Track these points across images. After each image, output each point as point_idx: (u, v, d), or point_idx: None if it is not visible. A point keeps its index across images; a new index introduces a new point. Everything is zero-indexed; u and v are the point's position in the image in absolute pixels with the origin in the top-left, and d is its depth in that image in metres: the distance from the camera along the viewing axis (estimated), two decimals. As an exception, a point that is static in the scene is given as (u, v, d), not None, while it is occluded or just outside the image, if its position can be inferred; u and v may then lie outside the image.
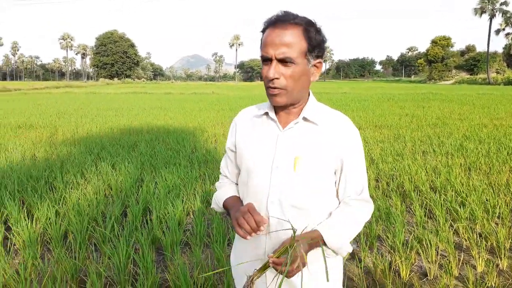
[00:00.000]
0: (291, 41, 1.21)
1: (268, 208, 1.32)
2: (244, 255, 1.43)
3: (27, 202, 4.44)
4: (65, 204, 4.31)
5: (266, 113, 1.38)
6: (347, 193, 1.35)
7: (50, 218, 3.80)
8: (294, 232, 1.18)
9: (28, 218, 3.79)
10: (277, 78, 1.24)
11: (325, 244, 1.28)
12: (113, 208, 4.17)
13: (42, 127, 10.88)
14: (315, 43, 1.25)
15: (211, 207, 1.56)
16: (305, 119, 1.33)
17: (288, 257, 1.14)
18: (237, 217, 1.26)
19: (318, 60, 1.28)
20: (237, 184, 1.52)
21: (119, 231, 3.69)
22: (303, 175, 1.29)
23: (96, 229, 3.64)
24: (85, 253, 3.28)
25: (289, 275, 1.16)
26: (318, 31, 1.26)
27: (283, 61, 1.22)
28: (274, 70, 1.23)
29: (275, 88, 1.25)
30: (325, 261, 1.15)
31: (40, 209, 3.96)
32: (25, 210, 4.10)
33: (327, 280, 1.13)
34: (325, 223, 1.30)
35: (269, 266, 1.20)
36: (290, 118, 1.34)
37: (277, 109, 1.36)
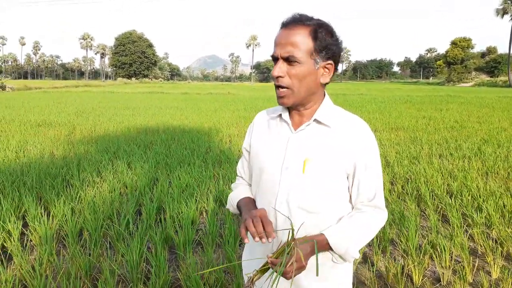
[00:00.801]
0: (297, 40, 1.22)
1: (276, 209, 1.33)
2: (254, 253, 1.44)
3: (44, 199, 4.53)
4: (80, 202, 4.39)
5: (280, 115, 1.39)
6: (359, 199, 1.34)
7: (66, 215, 3.88)
8: (293, 231, 1.18)
9: (45, 215, 3.88)
10: (281, 77, 1.25)
11: (331, 248, 1.28)
12: (128, 206, 4.23)
13: (60, 125, 11.10)
14: (324, 44, 1.24)
15: (226, 207, 1.58)
16: (317, 121, 1.32)
17: (284, 256, 1.14)
18: (246, 218, 1.26)
19: (328, 62, 1.28)
20: (251, 185, 1.53)
21: (133, 229, 3.75)
22: (311, 177, 1.29)
23: (111, 227, 3.70)
24: (99, 251, 3.34)
25: (286, 276, 1.15)
26: (330, 33, 1.26)
27: (288, 60, 1.24)
28: (279, 68, 1.25)
29: (280, 86, 1.27)
30: (316, 256, 1.14)
31: (57, 206, 4.04)
32: (42, 207, 4.20)
33: (317, 275, 1.12)
34: (331, 228, 1.30)
35: (269, 267, 1.21)
36: (303, 120, 1.35)
37: (291, 110, 1.37)
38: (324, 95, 1.36)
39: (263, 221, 1.22)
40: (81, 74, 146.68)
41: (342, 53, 1.34)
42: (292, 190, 1.31)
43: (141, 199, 4.58)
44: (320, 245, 1.26)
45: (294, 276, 1.16)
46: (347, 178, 1.33)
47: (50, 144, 7.95)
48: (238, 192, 1.51)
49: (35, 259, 3.24)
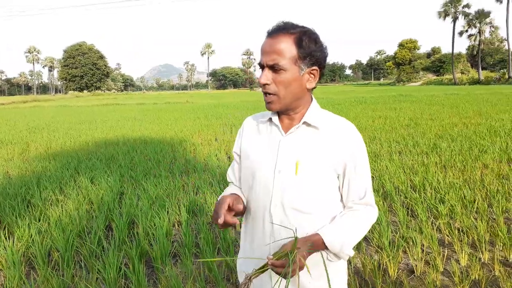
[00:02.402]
0: (281, 48, 1.27)
1: (271, 211, 1.35)
2: (250, 255, 1.45)
3: (5, 221, 4.29)
4: (46, 221, 4.19)
5: (270, 119, 1.42)
6: (350, 198, 1.38)
7: (32, 236, 3.69)
8: (296, 239, 1.21)
9: (8, 237, 3.67)
10: (267, 84, 1.30)
11: (326, 248, 1.31)
12: (97, 222, 4.08)
13: (12, 143, 10.54)
14: (308, 51, 1.29)
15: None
16: (306, 123, 1.36)
17: (290, 261, 1.17)
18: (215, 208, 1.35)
19: (313, 68, 1.32)
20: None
21: (106, 246, 3.62)
22: (304, 179, 1.32)
23: (83, 245, 3.56)
24: (72, 270, 3.20)
25: (286, 277, 1.19)
26: (314, 39, 1.31)
27: (273, 68, 1.28)
28: (265, 76, 1.30)
29: (267, 93, 1.32)
30: (325, 267, 1.18)
31: (21, 228, 3.84)
32: (5, 229, 3.97)
33: (328, 283, 1.17)
34: (326, 227, 1.33)
35: (268, 268, 1.23)
36: (292, 123, 1.38)
37: (280, 114, 1.40)
38: (312, 99, 1.40)
39: (222, 203, 1.31)
40: (29, 89, 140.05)
41: (326, 58, 1.38)
42: (286, 192, 1.33)
43: (109, 215, 4.44)
44: (316, 244, 1.29)
45: (291, 277, 1.19)
46: (338, 177, 1.37)
47: (4, 163, 7.54)
48: (224, 192, 1.52)
49: (2, 285, 3.06)
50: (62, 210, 4.47)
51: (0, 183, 5.85)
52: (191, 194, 4.95)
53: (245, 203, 1.46)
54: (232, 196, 1.37)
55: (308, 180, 1.32)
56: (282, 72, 1.28)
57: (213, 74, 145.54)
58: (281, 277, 1.19)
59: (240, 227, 1.45)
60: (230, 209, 1.32)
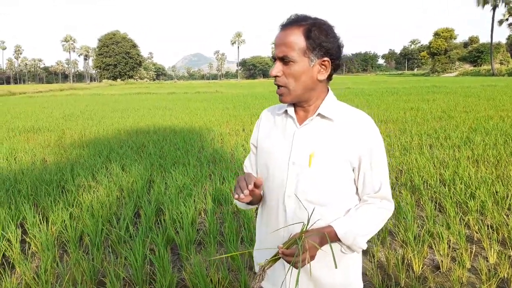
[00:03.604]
0: (290, 41, 1.28)
1: (285, 203, 1.37)
2: (265, 245, 1.47)
3: (41, 205, 4.51)
4: (78, 207, 4.37)
5: (286, 111, 1.43)
6: (365, 191, 1.38)
7: (65, 221, 3.87)
8: (304, 225, 1.23)
9: (44, 222, 3.86)
10: (278, 76, 1.32)
11: (339, 240, 1.32)
12: (126, 209, 4.22)
13: (49, 130, 10.97)
14: (317, 42, 1.28)
15: (234, 203, 1.62)
16: (320, 115, 1.36)
17: (299, 248, 1.18)
18: (235, 185, 1.36)
19: (323, 59, 1.31)
20: None
21: (133, 232, 3.75)
22: (318, 171, 1.33)
23: (111, 231, 3.70)
24: (102, 255, 3.34)
25: (296, 265, 1.20)
26: (324, 30, 1.29)
27: (283, 60, 1.30)
28: (276, 68, 1.32)
29: (278, 85, 1.34)
30: (331, 248, 1.18)
31: (55, 212, 4.03)
32: (40, 214, 4.17)
33: (335, 267, 1.18)
34: (339, 219, 1.34)
35: (279, 257, 1.25)
36: (307, 115, 1.39)
37: (296, 106, 1.41)
38: (328, 90, 1.40)
39: (246, 178, 1.33)
40: (65, 77, 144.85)
41: (341, 49, 1.36)
42: (299, 184, 1.34)
43: (138, 202, 4.58)
44: (328, 236, 1.29)
45: (302, 266, 1.20)
46: (353, 170, 1.36)
47: (41, 150, 7.87)
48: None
49: (37, 266, 3.23)
50: (94, 196, 4.64)
51: (37, 169, 6.13)
52: (217, 183, 5.03)
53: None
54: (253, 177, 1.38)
55: (321, 172, 1.33)
56: (291, 64, 1.29)
57: (243, 63, 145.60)
58: (291, 266, 1.20)
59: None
60: (255, 185, 1.33)
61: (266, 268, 1.26)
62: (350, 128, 1.34)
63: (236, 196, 1.30)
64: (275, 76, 1.32)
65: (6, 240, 3.54)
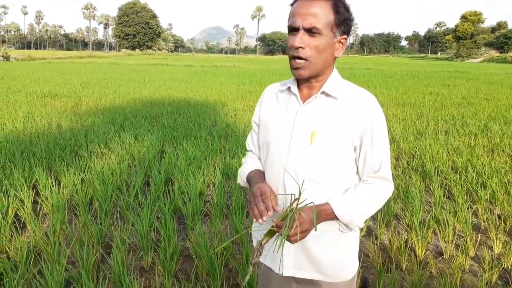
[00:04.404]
0: (320, 12, 1.22)
1: (285, 181, 1.36)
2: (265, 225, 1.48)
3: (54, 169, 4.61)
4: (90, 172, 4.46)
5: (289, 88, 1.40)
6: (365, 170, 1.36)
7: (76, 185, 3.96)
8: (295, 196, 1.22)
9: (56, 184, 3.96)
10: (302, 48, 1.25)
11: (336, 217, 1.31)
12: (136, 177, 4.29)
13: (66, 96, 11.11)
14: (343, 18, 1.26)
15: (237, 182, 1.60)
16: (325, 93, 1.34)
17: (288, 219, 1.18)
18: (250, 200, 1.30)
19: (343, 36, 1.30)
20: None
21: (142, 200, 3.83)
22: (319, 149, 1.31)
23: (120, 197, 3.78)
24: (110, 220, 3.42)
25: (291, 239, 1.19)
26: (347, 7, 1.28)
27: (310, 31, 1.24)
28: (300, 39, 1.24)
29: (299, 57, 1.27)
30: (315, 217, 1.18)
31: (67, 176, 4.12)
32: (53, 177, 4.28)
33: (315, 230, 1.19)
34: (337, 197, 1.33)
35: (275, 231, 1.25)
36: (311, 93, 1.36)
37: (300, 84, 1.38)
38: (333, 68, 1.37)
39: (263, 198, 1.26)
40: (85, 44, 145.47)
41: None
42: (300, 162, 1.33)
43: (149, 171, 4.65)
44: (325, 213, 1.29)
45: (299, 239, 1.20)
46: (354, 150, 1.35)
47: (57, 115, 8.00)
48: (247, 166, 1.53)
49: (47, 227, 3.33)
50: (105, 163, 4.72)
51: (52, 133, 6.24)
52: (227, 157, 5.06)
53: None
54: (268, 188, 1.33)
55: (322, 151, 1.31)
56: (318, 36, 1.24)
57: (262, 39, 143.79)
58: (283, 238, 1.19)
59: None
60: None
61: (263, 243, 1.27)
62: (354, 107, 1.31)
63: (256, 220, 1.24)
64: (298, 48, 1.25)
65: (19, 200, 3.64)
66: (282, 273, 1.44)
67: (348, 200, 1.32)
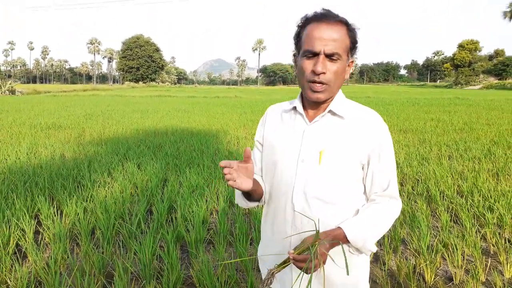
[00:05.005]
0: (339, 37, 1.25)
1: (293, 201, 1.34)
2: (271, 246, 1.45)
3: (56, 198, 4.58)
4: (92, 201, 4.43)
5: (295, 108, 1.40)
6: (373, 189, 1.35)
7: (78, 214, 3.92)
8: (317, 232, 1.20)
9: (58, 214, 3.93)
10: (324, 73, 1.26)
11: (348, 241, 1.28)
12: (139, 206, 4.26)
13: (70, 127, 11.20)
14: (354, 41, 1.30)
15: (236, 202, 1.57)
16: (331, 112, 1.34)
17: (312, 255, 1.16)
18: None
19: (351, 59, 1.34)
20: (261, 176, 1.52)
21: (145, 228, 3.78)
22: (327, 168, 1.30)
23: (123, 226, 3.73)
24: (112, 249, 3.37)
25: (308, 271, 1.17)
26: (355, 30, 1.31)
27: (330, 56, 1.25)
28: (322, 64, 1.24)
29: (320, 83, 1.27)
30: (344, 254, 1.16)
31: (69, 206, 4.09)
32: (55, 206, 4.25)
33: (347, 274, 1.15)
34: (348, 221, 1.30)
35: (289, 263, 1.23)
36: (317, 112, 1.36)
37: (305, 103, 1.38)
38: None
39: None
40: (89, 78, 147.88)
41: None
42: (308, 182, 1.32)
43: (152, 199, 4.62)
44: (338, 238, 1.26)
45: (314, 271, 1.17)
46: (362, 168, 1.34)
47: (61, 146, 8.03)
48: None
49: (49, 256, 3.28)
50: (108, 192, 4.70)
51: (55, 164, 6.24)
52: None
53: (264, 192, 1.46)
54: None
55: (331, 170, 1.30)
56: (338, 61, 1.26)
57: (263, 70, 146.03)
58: (303, 272, 1.18)
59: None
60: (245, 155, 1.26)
61: (275, 273, 1.25)
62: (361, 125, 1.32)
63: (228, 175, 1.23)
64: (319, 74, 1.25)
65: (20, 230, 3.60)
66: None
67: (360, 224, 1.30)
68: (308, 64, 1.27)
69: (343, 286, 1.38)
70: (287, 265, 1.25)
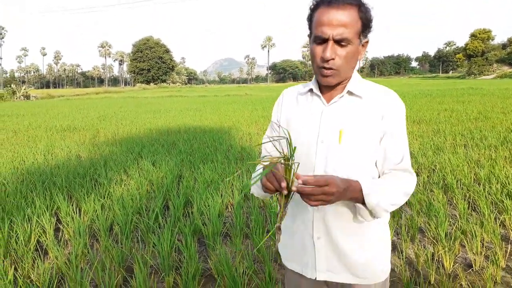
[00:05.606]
0: (348, 21, 1.22)
1: None
2: (293, 227, 1.45)
3: (74, 196, 4.66)
4: (109, 198, 4.50)
5: (311, 90, 1.40)
6: (386, 165, 1.33)
7: (96, 211, 3.99)
8: (287, 158, 1.12)
9: (76, 211, 4.00)
10: (333, 59, 1.25)
11: (362, 197, 1.22)
12: (156, 201, 4.31)
13: (85, 129, 11.35)
14: (367, 23, 1.27)
15: (251, 192, 1.56)
16: (349, 92, 1.34)
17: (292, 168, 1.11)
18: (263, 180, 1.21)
19: (366, 39, 1.31)
20: None
21: (162, 222, 3.82)
22: (348, 147, 1.30)
23: (140, 221, 3.78)
24: (130, 243, 3.42)
25: (312, 200, 1.12)
26: (369, 10, 1.28)
27: (339, 42, 1.24)
28: (331, 50, 1.23)
29: (329, 69, 1.27)
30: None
31: (87, 203, 4.16)
32: (73, 204, 4.32)
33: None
34: (367, 181, 1.26)
35: (287, 201, 1.17)
36: (334, 94, 1.36)
37: (321, 85, 1.38)
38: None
39: (274, 174, 1.17)
40: (101, 81, 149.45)
41: None
42: (329, 161, 1.32)
43: (167, 195, 4.66)
44: (353, 189, 1.21)
45: (319, 205, 1.14)
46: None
47: (76, 147, 8.15)
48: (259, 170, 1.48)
49: (69, 252, 3.34)
50: (124, 189, 4.76)
51: (72, 164, 6.35)
52: (244, 179, 5.05)
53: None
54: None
55: (352, 149, 1.30)
56: (348, 46, 1.24)
57: (273, 67, 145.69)
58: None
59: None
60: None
61: (278, 225, 1.20)
62: (378, 104, 1.32)
63: (283, 185, 1.14)
64: (328, 60, 1.24)
65: (41, 227, 3.68)
66: (315, 278, 1.39)
67: (377, 184, 1.27)
68: (318, 50, 1.27)
69: (366, 265, 1.36)
70: (286, 206, 1.18)
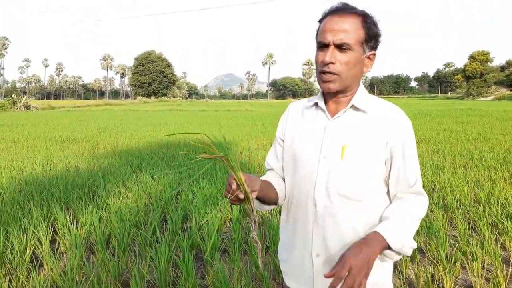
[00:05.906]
0: (350, 28, 1.25)
1: (315, 197, 1.32)
2: (293, 243, 1.43)
3: (72, 208, 4.63)
4: (107, 211, 4.46)
5: (316, 104, 1.40)
6: (399, 187, 1.31)
7: (94, 223, 3.95)
8: (229, 159, 1.17)
9: (74, 223, 3.96)
10: (332, 63, 1.26)
11: (387, 243, 1.19)
12: (154, 214, 4.28)
13: (84, 141, 11.34)
14: (372, 34, 1.29)
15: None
16: (354, 107, 1.33)
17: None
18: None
19: (372, 52, 1.32)
20: (282, 178, 1.50)
21: (160, 236, 3.79)
22: (351, 164, 1.28)
23: (138, 234, 3.74)
24: (127, 257, 3.38)
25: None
26: (375, 23, 1.30)
27: (340, 47, 1.25)
28: (330, 54, 1.26)
29: (329, 73, 1.27)
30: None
31: (85, 215, 4.12)
32: (71, 215, 4.28)
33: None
34: (383, 224, 1.23)
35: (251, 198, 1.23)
36: (339, 108, 1.35)
37: (327, 99, 1.38)
38: (360, 84, 1.38)
39: (228, 180, 1.24)
40: (102, 93, 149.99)
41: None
42: (331, 177, 1.30)
43: (166, 208, 4.63)
44: (377, 240, 1.18)
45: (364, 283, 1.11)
46: (385, 164, 1.31)
47: (75, 158, 8.13)
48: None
49: (65, 265, 3.30)
50: (122, 202, 4.73)
51: (70, 175, 6.32)
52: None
53: (277, 190, 1.42)
54: (247, 174, 1.28)
55: (354, 165, 1.28)
56: (349, 52, 1.26)
57: (273, 84, 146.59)
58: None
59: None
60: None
61: (252, 218, 1.26)
62: (384, 120, 1.30)
63: (233, 186, 1.20)
64: (328, 63, 1.26)
65: (37, 239, 3.64)
66: None
67: (396, 224, 1.23)
68: (319, 55, 1.29)
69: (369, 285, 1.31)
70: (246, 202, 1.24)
